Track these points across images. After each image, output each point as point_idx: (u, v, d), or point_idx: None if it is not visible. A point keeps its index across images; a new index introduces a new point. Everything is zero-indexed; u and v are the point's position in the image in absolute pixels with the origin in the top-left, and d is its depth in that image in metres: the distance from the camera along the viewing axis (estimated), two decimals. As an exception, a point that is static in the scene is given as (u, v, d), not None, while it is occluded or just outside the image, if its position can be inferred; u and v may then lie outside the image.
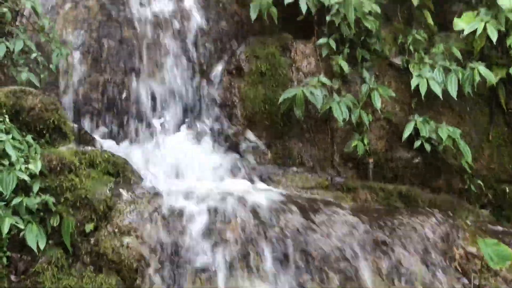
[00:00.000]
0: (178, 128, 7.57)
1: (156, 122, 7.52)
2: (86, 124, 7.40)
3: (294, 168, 7.28)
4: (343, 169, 7.55)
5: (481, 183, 7.60)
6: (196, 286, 5.51)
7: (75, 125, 6.91)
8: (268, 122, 7.60)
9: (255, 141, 7.48)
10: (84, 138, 6.84)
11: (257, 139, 7.51)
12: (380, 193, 6.96)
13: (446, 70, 7.60)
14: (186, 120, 7.62)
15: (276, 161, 7.41)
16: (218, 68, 7.89)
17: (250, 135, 7.52)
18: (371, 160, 7.51)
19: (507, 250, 5.62)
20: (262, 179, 6.98)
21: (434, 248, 5.84)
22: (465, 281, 5.83)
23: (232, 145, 7.44)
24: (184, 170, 6.90)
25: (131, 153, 7.03)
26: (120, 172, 6.37)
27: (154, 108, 7.60)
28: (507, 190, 7.74)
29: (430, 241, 5.88)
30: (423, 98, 7.42)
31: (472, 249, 5.98)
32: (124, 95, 7.57)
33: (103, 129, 7.42)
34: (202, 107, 7.74)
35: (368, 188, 7.01)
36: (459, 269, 5.87)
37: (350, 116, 7.38)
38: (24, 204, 5.67)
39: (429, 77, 7.48)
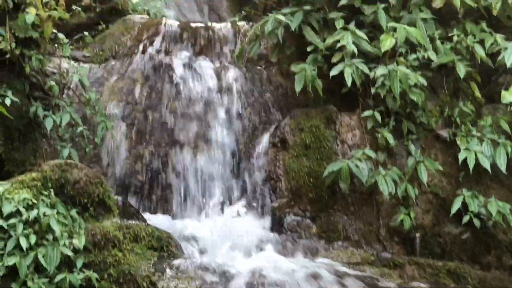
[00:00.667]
0: (222, 202, 7.53)
1: (200, 195, 7.49)
2: (130, 196, 7.40)
3: (339, 243, 7.17)
4: (389, 243, 7.42)
5: (533, 260, 7.44)
6: None
7: (119, 198, 6.91)
8: (313, 195, 7.52)
9: (300, 215, 7.39)
10: (128, 212, 6.83)
11: (302, 212, 7.41)
12: (427, 269, 6.81)
13: (495, 143, 7.49)
14: (231, 193, 7.57)
15: (321, 235, 7.30)
16: (263, 140, 7.86)
17: (294, 208, 7.44)
18: (418, 235, 7.38)
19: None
20: (307, 254, 6.88)
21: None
22: None
23: (277, 219, 7.36)
24: (228, 244, 6.82)
25: (175, 227, 6.99)
26: (164, 247, 6.33)
27: (198, 181, 7.57)
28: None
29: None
30: (471, 172, 7.31)
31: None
32: (168, 168, 7.57)
33: (147, 202, 7.41)
34: (246, 180, 7.69)
35: (416, 264, 6.86)
36: None
37: (396, 189, 7.28)
38: (68, 280, 5.64)
39: (477, 150, 7.38)
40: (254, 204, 7.49)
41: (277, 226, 7.32)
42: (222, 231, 6.96)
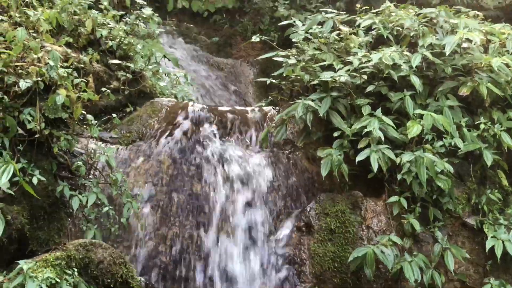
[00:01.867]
0: (246, 284, 7.45)
1: (224, 279, 7.43)
2: (154, 277, 7.34)
3: None
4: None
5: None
6: None
7: (142, 279, 6.86)
8: (338, 281, 7.46)
9: (324, 300, 7.32)
10: (152, 294, 6.79)
11: (327, 298, 7.36)
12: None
13: (522, 232, 7.43)
14: (255, 277, 7.51)
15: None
16: (288, 224, 7.84)
17: (319, 294, 7.39)
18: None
19: None
20: None
21: None
22: None
23: (301, 304, 7.30)
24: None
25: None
26: None
27: (221, 265, 7.52)
28: None
29: None
30: (498, 260, 7.22)
31: None
32: (192, 250, 7.53)
33: (170, 284, 7.36)
34: (270, 264, 7.62)
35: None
36: None
37: (422, 276, 7.21)
38: None
39: (504, 239, 7.32)
40: (279, 289, 7.44)
41: (301, 311, 7.25)
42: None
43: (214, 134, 8.40)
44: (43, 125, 6.97)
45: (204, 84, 12.22)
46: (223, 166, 8.05)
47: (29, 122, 6.90)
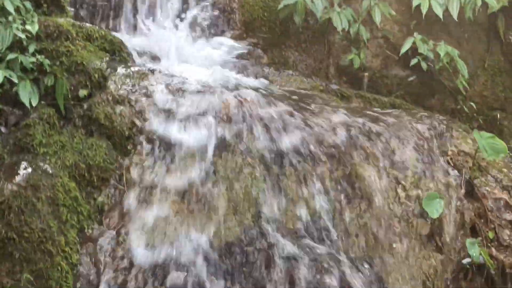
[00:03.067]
0: (174, 26, 7.47)
1: (151, 17, 7.46)
2: (82, 12, 7.32)
3: (290, 72, 7.25)
4: (337, 81, 7.53)
5: (473, 105, 7.62)
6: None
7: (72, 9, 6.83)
8: (266, 29, 7.56)
9: (252, 45, 7.43)
10: (80, 20, 6.77)
11: (254, 44, 7.45)
12: (373, 102, 6.95)
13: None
14: (183, 19, 7.52)
15: (271, 65, 7.36)
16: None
17: (247, 40, 7.47)
18: (366, 74, 7.50)
19: (502, 144, 5.67)
20: (257, 77, 6.94)
21: (427, 142, 5.84)
22: (456, 173, 5.86)
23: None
24: (180, 58, 6.82)
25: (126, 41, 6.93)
26: (116, 51, 6.27)
27: (149, 4, 7.51)
28: (498, 117, 7.76)
29: (423, 136, 5.88)
30: (423, 17, 7.39)
31: (465, 148, 6.01)
32: (121, -13, 7.49)
33: (98, 21, 7.35)
34: (200, 10, 7.63)
35: (362, 97, 7.00)
36: (451, 163, 5.89)
37: (348, 30, 7.36)
38: (19, 61, 5.57)
39: (431, -2, 7.44)
40: (206, 33, 7.48)
41: (228, 55, 7.33)
42: (175, 51, 6.92)
43: None
44: None
45: None
46: None
47: None
